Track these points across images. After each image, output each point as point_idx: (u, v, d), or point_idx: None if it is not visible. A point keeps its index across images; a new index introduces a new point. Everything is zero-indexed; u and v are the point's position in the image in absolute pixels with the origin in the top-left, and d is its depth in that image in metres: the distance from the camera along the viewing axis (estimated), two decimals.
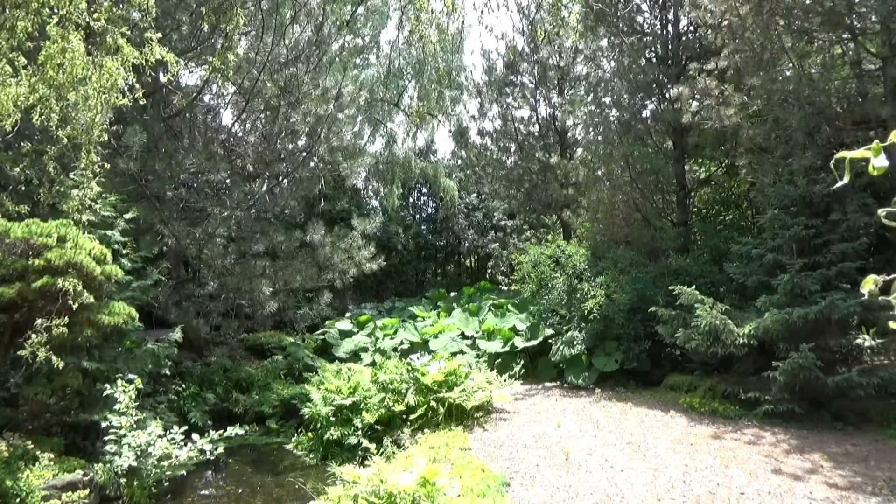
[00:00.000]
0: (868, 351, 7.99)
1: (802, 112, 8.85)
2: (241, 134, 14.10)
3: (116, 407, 7.35)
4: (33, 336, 5.93)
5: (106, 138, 5.78)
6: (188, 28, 11.62)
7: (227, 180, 13.19)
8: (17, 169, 6.77)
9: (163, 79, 11.27)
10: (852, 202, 8.46)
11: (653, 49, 13.61)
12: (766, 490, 5.48)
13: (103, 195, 6.99)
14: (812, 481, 5.67)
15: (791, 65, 9.25)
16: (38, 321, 6.08)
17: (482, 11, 8.71)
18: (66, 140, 5.58)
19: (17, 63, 5.31)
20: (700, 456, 6.59)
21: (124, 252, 8.74)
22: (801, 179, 8.79)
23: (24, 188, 7.81)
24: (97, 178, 5.96)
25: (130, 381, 7.62)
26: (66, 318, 6.26)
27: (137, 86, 5.73)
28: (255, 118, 13.96)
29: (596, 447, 7.11)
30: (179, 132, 12.48)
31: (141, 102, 6.11)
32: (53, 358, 6.10)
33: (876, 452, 6.46)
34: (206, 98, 13.62)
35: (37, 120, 5.41)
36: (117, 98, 5.46)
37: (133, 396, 7.49)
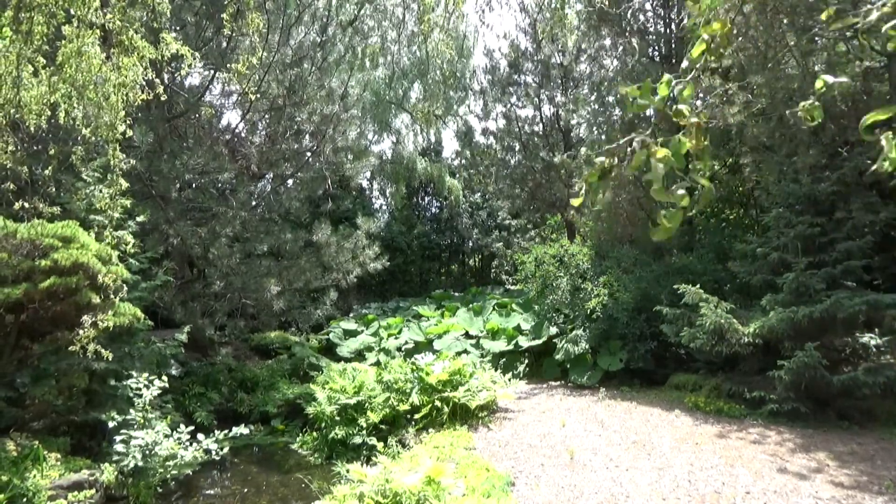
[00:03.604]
0: (874, 350, 7.98)
1: None
2: (245, 134, 14.14)
3: (137, 402, 7.43)
4: (81, 331, 6.15)
5: (130, 134, 5.89)
6: (193, 29, 11.67)
7: (233, 180, 13.23)
8: (48, 170, 6.89)
9: (172, 77, 11.34)
10: (857, 200, 8.44)
11: (656, 48, 13.60)
12: (771, 489, 5.47)
13: (114, 196, 7.07)
14: (818, 480, 5.66)
15: (795, 63, 9.23)
16: (85, 317, 6.29)
17: (484, 10, 8.70)
18: (92, 139, 5.71)
19: (36, 64, 5.43)
20: (705, 455, 6.58)
21: (132, 252, 8.79)
22: (806, 178, 8.77)
23: (53, 189, 7.93)
24: (120, 178, 6.07)
25: (151, 381, 7.69)
26: (85, 316, 6.43)
27: (157, 80, 5.82)
28: (260, 118, 14.00)
29: (601, 446, 7.11)
30: (184, 132, 12.52)
31: (163, 98, 6.22)
32: (102, 350, 6.31)
33: (882, 451, 6.44)
34: (210, 98, 13.66)
35: (63, 119, 5.57)
36: (136, 95, 5.56)
37: (155, 394, 7.59)
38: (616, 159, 1.96)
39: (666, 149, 1.82)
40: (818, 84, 1.71)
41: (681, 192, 1.78)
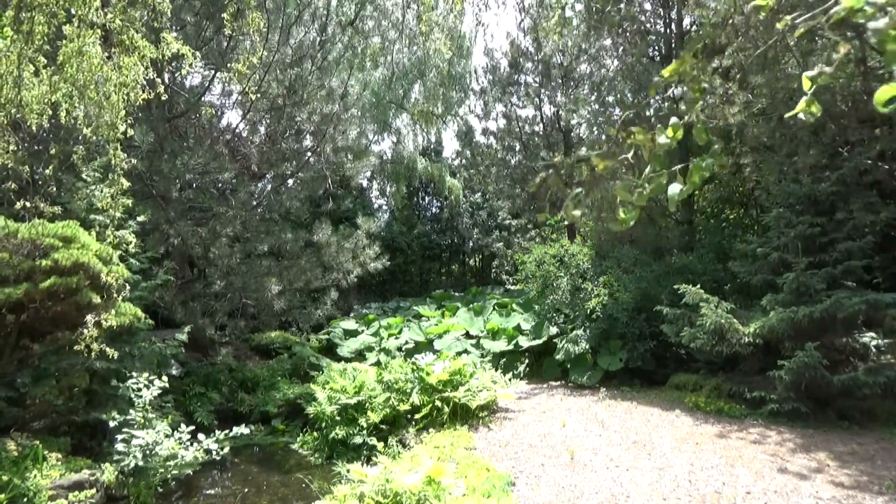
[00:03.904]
0: (874, 350, 7.97)
1: None
2: (246, 134, 14.14)
3: (137, 402, 7.44)
4: (85, 331, 6.19)
5: (131, 133, 5.91)
6: (193, 29, 11.67)
7: (233, 180, 13.24)
8: (49, 170, 6.92)
9: (172, 77, 11.35)
10: (857, 200, 8.44)
11: (656, 48, 13.60)
12: (772, 489, 5.47)
13: (116, 196, 7.11)
14: (818, 480, 5.66)
15: (795, 63, 9.23)
16: (88, 316, 6.34)
17: (479, 9, 8.71)
18: (93, 138, 5.74)
19: (37, 63, 5.45)
20: (705, 455, 6.58)
21: (133, 252, 8.81)
22: (806, 178, 8.77)
23: (55, 189, 7.94)
24: (121, 177, 6.09)
25: (151, 381, 7.70)
26: (88, 316, 6.48)
27: (158, 80, 5.84)
28: (261, 118, 14.01)
29: (601, 446, 7.11)
30: (185, 132, 12.53)
31: (164, 97, 6.24)
32: (107, 349, 6.35)
33: (882, 451, 6.45)
34: (210, 98, 13.67)
35: (64, 118, 5.59)
36: (137, 94, 5.58)
37: (156, 394, 7.60)
38: (552, 171, 2.16)
39: (607, 161, 2.01)
40: (805, 84, 1.85)
41: (637, 191, 1.96)
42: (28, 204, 6.78)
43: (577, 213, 2.08)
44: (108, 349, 6.44)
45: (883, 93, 1.62)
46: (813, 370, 7.26)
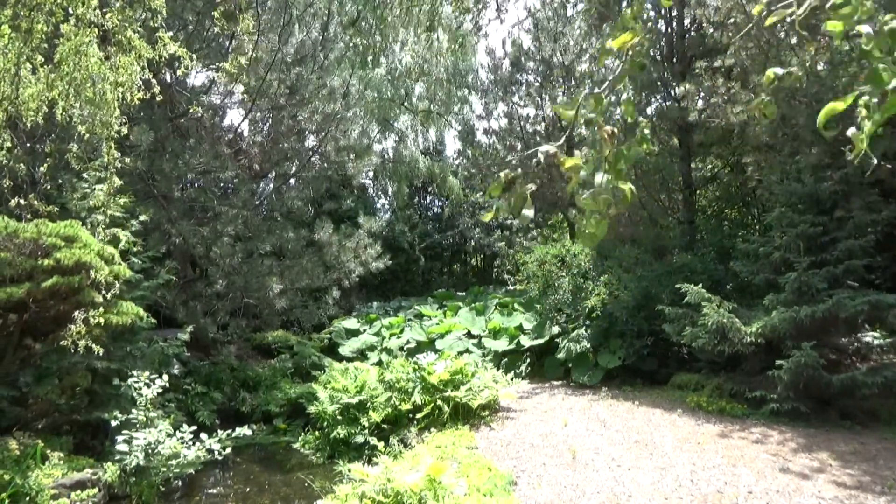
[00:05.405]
0: (877, 349, 7.95)
1: (809, 109, 8.80)
2: (247, 133, 14.15)
3: (139, 402, 7.45)
4: (72, 326, 6.19)
5: (126, 132, 5.92)
6: (194, 28, 11.68)
7: (235, 179, 13.24)
8: (43, 168, 6.93)
9: (170, 78, 11.36)
10: (859, 199, 8.42)
11: (657, 47, 13.58)
12: (774, 489, 5.46)
13: (116, 196, 7.10)
14: (820, 480, 5.65)
15: (797, 61, 9.21)
16: (76, 312, 6.34)
17: (478, 11, 8.70)
18: (87, 136, 5.74)
19: (35, 62, 5.47)
20: (707, 455, 6.57)
21: (134, 251, 8.82)
22: (808, 177, 8.75)
23: (49, 188, 7.94)
24: (114, 175, 6.10)
25: (153, 380, 7.71)
26: (76, 312, 6.47)
27: (154, 80, 5.85)
28: (263, 117, 14.01)
29: (603, 446, 7.11)
30: (186, 132, 12.53)
31: (158, 98, 6.26)
32: (94, 346, 6.34)
33: (885, 451, 6.43)
34: (214, 97, 13.67)
35: (60, 116, 5.60)
36: (134, 94, 5.59)
37: (157, 393, 7.62)
38: (519, 170, 2.04)
39: (575, 158, 1.92)
40: (768, 76, 1.77)
41: (604, 196, 1.85)
42: (23, 202, 6.75)
43: (529, 213, 2.00)
44: (94, 346, 6.40)
45: (825, 113, 1.57)
46: (811, 370, 7.24)
